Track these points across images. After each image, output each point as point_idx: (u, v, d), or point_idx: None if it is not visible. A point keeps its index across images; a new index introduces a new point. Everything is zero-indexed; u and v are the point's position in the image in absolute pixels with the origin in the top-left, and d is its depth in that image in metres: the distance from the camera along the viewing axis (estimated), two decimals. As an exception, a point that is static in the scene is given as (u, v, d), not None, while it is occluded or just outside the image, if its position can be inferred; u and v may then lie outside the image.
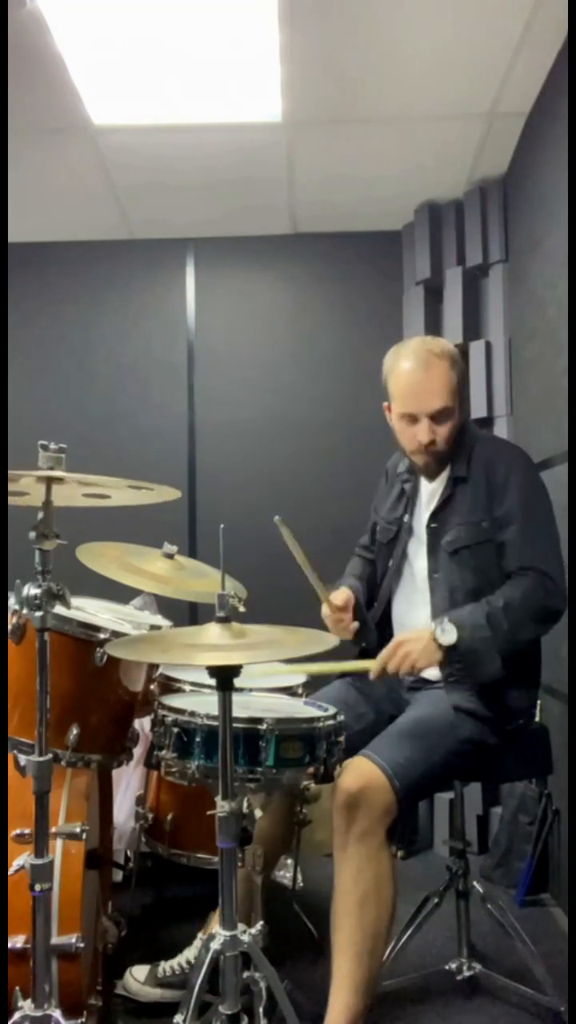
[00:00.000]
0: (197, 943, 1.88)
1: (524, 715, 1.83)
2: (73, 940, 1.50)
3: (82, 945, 1.51)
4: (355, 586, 2.03)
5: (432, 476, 1.93)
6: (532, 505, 1.80)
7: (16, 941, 1.48)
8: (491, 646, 1.69)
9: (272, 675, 1.93)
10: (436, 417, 1.83)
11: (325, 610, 1.92)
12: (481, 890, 1.95)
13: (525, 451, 1.97)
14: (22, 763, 1.39)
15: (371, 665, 1.76)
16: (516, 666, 1.75)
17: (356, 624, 1.93)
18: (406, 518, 1.98)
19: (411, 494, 2.00)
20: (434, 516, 1.89)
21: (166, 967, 1.91)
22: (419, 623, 1.90)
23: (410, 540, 1.97)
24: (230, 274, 3.52)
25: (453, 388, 1.83)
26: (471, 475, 1.85)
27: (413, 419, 1.84)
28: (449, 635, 1.69)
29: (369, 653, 1.99)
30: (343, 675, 2.00)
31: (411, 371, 1.84)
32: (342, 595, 1.96)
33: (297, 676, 2.03)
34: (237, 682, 1.32)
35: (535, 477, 1.86)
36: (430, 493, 1.94)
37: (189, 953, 1.91)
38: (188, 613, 3.07)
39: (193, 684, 1.90)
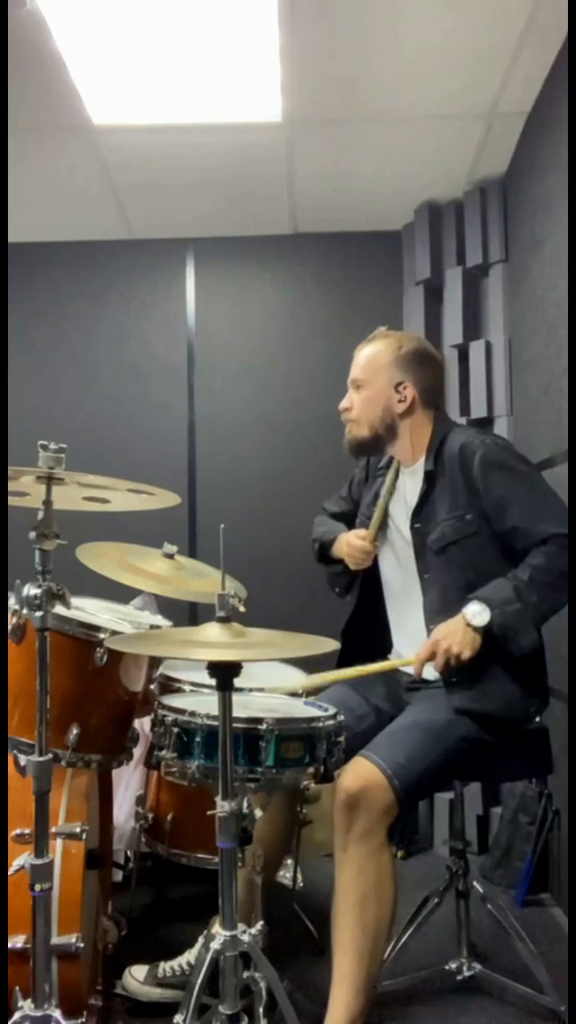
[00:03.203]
0: (199, 945, 1.89)
1: (528, 713, 1.83)
2: (73, 940, 1.50)
3: (82, 945, 1.51)
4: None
5: (357, 453, 2.02)
6: (520, 480, 1.79)
7: (16, 941, 1.48)
8: (524, 618, 1.69)
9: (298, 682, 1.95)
10: (354, 385, 1.97)
11: (360, 539, 1.97)
12: (481, 890, 1.95)
13: (494, 434, 1.99)
14: (22, 763, 1.39)
15: (413, 662, 1.76)
16: (519, 666, 1.75)
17: (368, 564, 2.00)
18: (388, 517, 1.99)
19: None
20: (415, 515, 1.89)
21: (166, 967, 1.91)
22: (414, 625, 1.91)
23: (398, 542, 1.97)
24: (230, 274, 3.52)
25: (376, 365, 1.93)
26: (444, 469, 1.85)
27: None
28: (482, 616, 1.69)
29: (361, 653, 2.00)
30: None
31: (357, 348, 2.01)
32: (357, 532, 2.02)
33: (296, 675, 2.03)
34: (239, 681, 1.32)
35: (512, 453, 1.86)
36: (408, 492, 1.94)
37: (190, 955, 1.91)
38: (188, 613, 3.07)
39: (193, 684, 1.90)
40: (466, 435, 1.88)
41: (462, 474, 1.82)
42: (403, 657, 1.96)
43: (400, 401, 1.92)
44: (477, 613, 1.69)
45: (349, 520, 2.13)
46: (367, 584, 2.05)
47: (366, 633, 2.04)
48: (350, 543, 1.99)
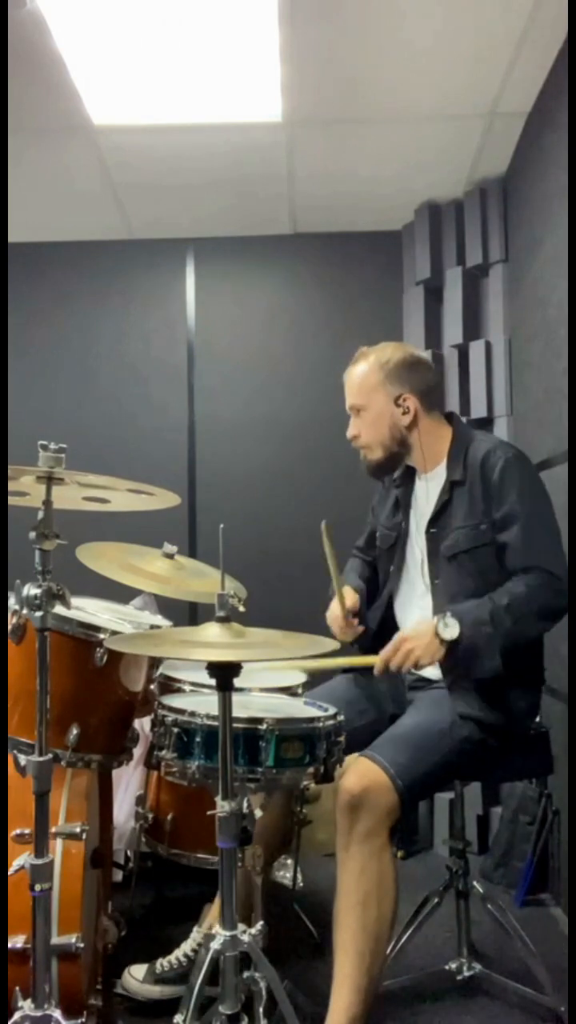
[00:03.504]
0: (194, 935, 1.89)
1: (528, 719, 1.83)
2: (73, 940, 1.50)
3: (82, 945, 1.51)
4: (360, 587, 2.05)
5: (378, 475, 2.00)
6: (532, 503, 1.79)
7: (16, 941, 1.48)
8: (492, 642, 1.69)
9: (272, 672, 1.94)
10: (354, 411, 1.97)
11: (336, 610, 1.94)
12: (481, 890, 1.95)
13: (519, 448, 1.97)
14: (22, 763, 1.39)
15: (374, 661, 1.76)
16: (519, 669, 1.75)
17: (361, 628, 1.96)
18: (404, 524, 1.99)
19: (404, 498, 2.00)
20: (433, 521, 1.89)
21: (164, 963, 1.91)
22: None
23: (410, 546, 1.97)
24: (230, 274, 3.52)
25: (369, 385, 1.93)
26: (467, 477, 1.85)
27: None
28: (452, 630, 1.69)
29: (366, 653, 2.00)
30: (346, 670, 2.00)
31: (345, 372, 2.00)
32: (350, 598, 1.98)
33: (297, 676, 2.03)
34: (237, 680, 1.32)
35: (532, 473, 1.86)
36: (427, 497, 1.94)
37: (186, 947, 1.91)
38: (188, 613, 3.07)
39: (193, 684, 1.90)
40: (490, 442, 1.88)
41: (482, 482, 1.82)
42: None
43: (404, 413, 1.91)
44: (449, 626, 1.69)
45: (375, 539, 2.12)
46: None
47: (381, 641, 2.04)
48: (329, 620, 1.97)
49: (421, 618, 1.88)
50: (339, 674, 2.02)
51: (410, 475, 2.01)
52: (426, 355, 2.06)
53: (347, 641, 1.95)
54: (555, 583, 1.73)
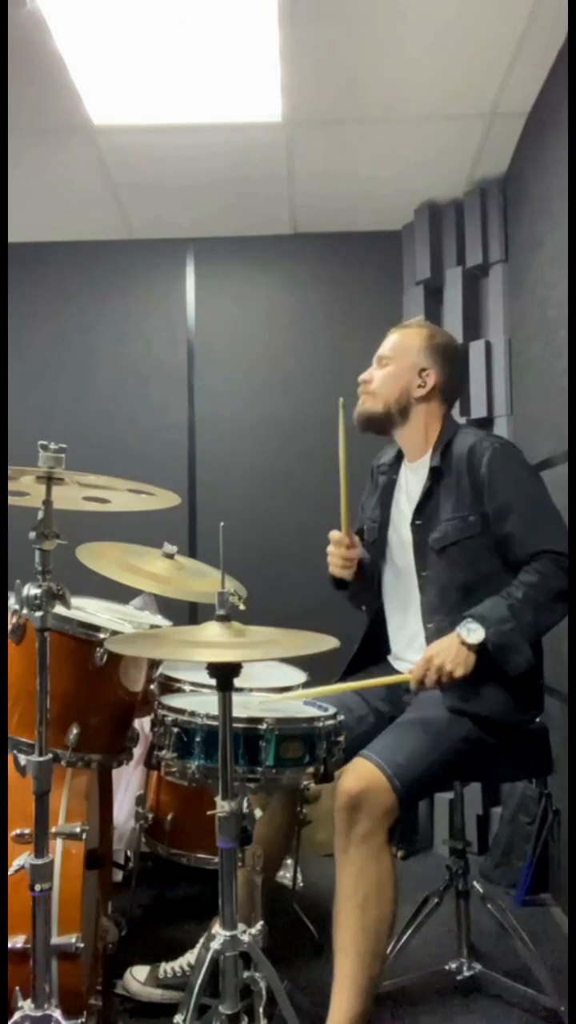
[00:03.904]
0: (200, 946, 1.89)
1: (525, 713, 1.83)
2: (73, 940, 1.50)
3: (82, 945, 1.51)
4: (363, 552, 2.05)
5: (365, 428, 1.98)
6: (526, 489, 1.80)
7: (16, 941, 1.48)
8: (518, 637, 1.69)
9: (273, 669, 1.94)
10: (378, 361, 1.98)
11: (336, 537, 1.95)
12: (481, 890, 1.95)
13: (504, 437, 1.98)
14: (22, 763, 1.39)
15: (408, 678, 1.75)
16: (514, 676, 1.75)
17: (357, 555, 1.97)
18: (386, 513, 1.99)
19: (388, 487, 2.01)
20: (418, 512, 1.89)
21: (167, 968, 1.91)
22: (411, 624, 1.91)
23: (396, 538, 1.97)
24: (230, 274, 3.52)
25: (405, 346, 1.96)
26: (451, 467, 1.85)
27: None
28: (476, 634, 1.68)
29: (361, 656, 2.01)
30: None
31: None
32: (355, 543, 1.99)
33: (297, 675, 2.03)
34: (238, 680, 1.32)
35: (520, 460, 1.86)
36: (411, 487, 1.94)
37: (191, 956, 1.91)
38: (188, 613, 3.07)
39: (193, 684, 1.90)
40: (475, 436, 1.88)
41: (469, 474, 1.82)
42: (400, 659, 1.96)
43: (420, 386, 1.93)
44: (472, 631, 1.69)
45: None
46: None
47: (374, 637, 2.04)
48: (329, 550, 1.97)
49: (410, 612, 1.89)
50: (336, 680, 2.02)
51: (397, 465, 2.02)
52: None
53: (344, 576, 1.97)
54: (566, 563, 1.72)
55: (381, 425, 1.98)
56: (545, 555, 1.74)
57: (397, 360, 1.95)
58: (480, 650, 1.69)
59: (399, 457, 2.04)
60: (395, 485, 2.01)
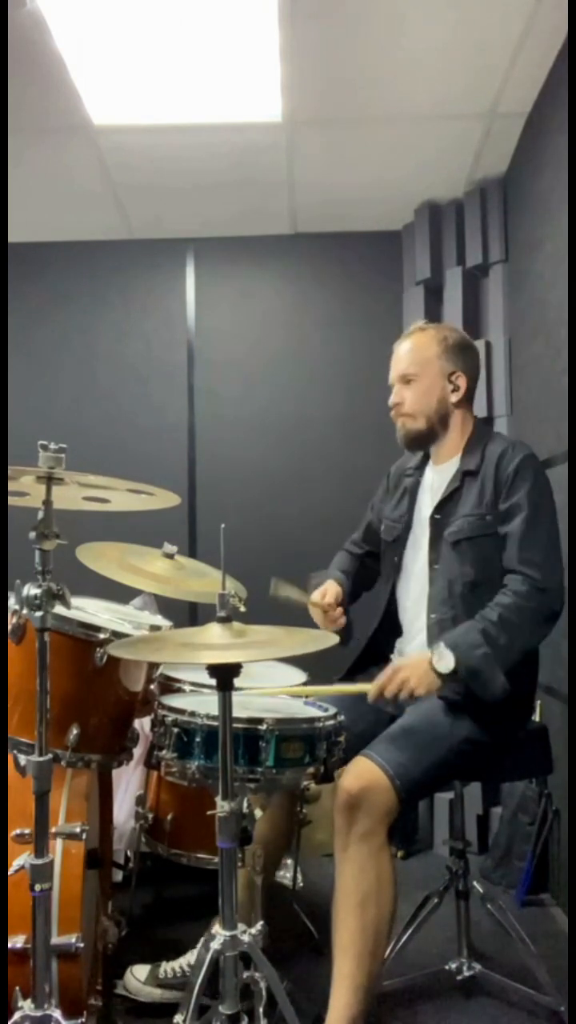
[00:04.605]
0: (200, 947, 1.89)
1: (519, 713, 1.83)
2: (73, 940, 1.50)
3: (82, 945, 1.51)
4: (340, 579, 2.07)
5: (412, 447, 2.00)
6: (537, 502, 1.80)
7: (16, 941, 1.48)
8: (491, 662, 1.67)
9: (274, 669, 1.94)
10: (402, 380, 1.94)
11: (312, 609, 1.97)
12: (481, 890, 1.95)
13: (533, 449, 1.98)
14: (22, 763, 1.39)
15: (368, 688, 1.76)
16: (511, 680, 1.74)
17: (343, 619, 1.98)
18: (410, 513, 2.00)
19: (413, 488, 2.02)
20: (439, 508, 1.90)
21: (167, 968, 1.91)
22: (418, 612, 1.91)
23: (413, 533, 1.98)
24: (230, 274, 3.52)
25: (425, 357, 1.93)
26: (480, 469, 1.86)
27: (393, 387, 1.98)
28: (446, 661, 1.68)
29: (356, 667, 2.02)
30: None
31: (396, 345, 2.00)
32: (332, 590, 2.00)
33: (298, 675, 2.03)
34: (238, 681, 1.32)
35: (542, 476, 1.87)
36: (436, 486, 1.95)
37: (191, 956, 1.91)
38: (188, 613, 3.07)
39: (193, 684, 1.90)
40: (508, 441, 1.91)
41: (495, 475, 1.83)
42: (405, 656, 1.96)
43: (455, 391, 1.93)
44: (443, 658, 1.68)
45: (375, 533, 2.13)
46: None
47: (381, 637, 2.05)
48: (317, 617, 2.00)
49: (418, 603, 1.90)
50: (337, 681, 2.02)
51: (423, 466, 2.03)
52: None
53: (335, 629, 1.97)
54: (544, 585, 1.73)
55: (427, 441, 1.98)
56: (523, 577, 1.74)
57: (423, 373, 1.93)
58: (449, 677, 1.68)
59: (425, 459, 2.04)
60: (420, 485, 2.02)
